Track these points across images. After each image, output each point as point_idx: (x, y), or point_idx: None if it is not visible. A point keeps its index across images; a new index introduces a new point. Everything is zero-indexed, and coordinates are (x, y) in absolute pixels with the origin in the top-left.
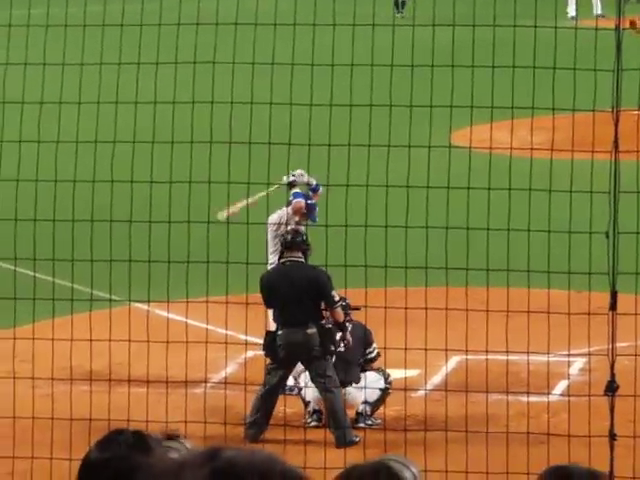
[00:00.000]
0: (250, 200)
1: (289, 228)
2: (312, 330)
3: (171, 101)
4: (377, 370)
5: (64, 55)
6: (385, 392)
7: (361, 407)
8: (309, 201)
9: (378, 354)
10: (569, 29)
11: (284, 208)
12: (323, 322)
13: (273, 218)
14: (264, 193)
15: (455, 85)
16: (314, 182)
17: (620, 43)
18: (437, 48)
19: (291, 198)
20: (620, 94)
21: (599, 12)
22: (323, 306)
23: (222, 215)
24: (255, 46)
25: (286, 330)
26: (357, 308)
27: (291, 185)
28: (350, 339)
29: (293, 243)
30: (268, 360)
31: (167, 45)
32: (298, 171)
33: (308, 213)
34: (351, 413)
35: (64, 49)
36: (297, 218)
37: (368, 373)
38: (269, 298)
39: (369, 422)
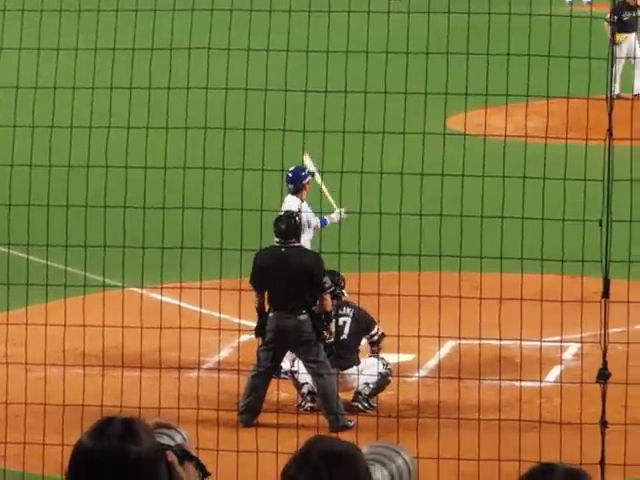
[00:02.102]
0: (324, 188)
1: (281, 214)
2: (304, 316)
3: (166, 87)
4: (376, 356)
5: (59, 40)
6: (384, 378)
7: (361, 387)
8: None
9: (383, 334)
10: (565, 17)
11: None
12: (314, 308)
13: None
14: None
15: (450, 71)
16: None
17: (614, 33)
18: (432, 34)
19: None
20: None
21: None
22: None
23: (306, 158)
24: (250, 32)
25: (277, 313)
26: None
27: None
28: (333, 332)
29: (287, 231)
30: (259, 341)
31: (163, 29)
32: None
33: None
34: (347, 397)
35: (59, 33)
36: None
37: (367, 359)
38: (260, 278)
39: (365, 404)
